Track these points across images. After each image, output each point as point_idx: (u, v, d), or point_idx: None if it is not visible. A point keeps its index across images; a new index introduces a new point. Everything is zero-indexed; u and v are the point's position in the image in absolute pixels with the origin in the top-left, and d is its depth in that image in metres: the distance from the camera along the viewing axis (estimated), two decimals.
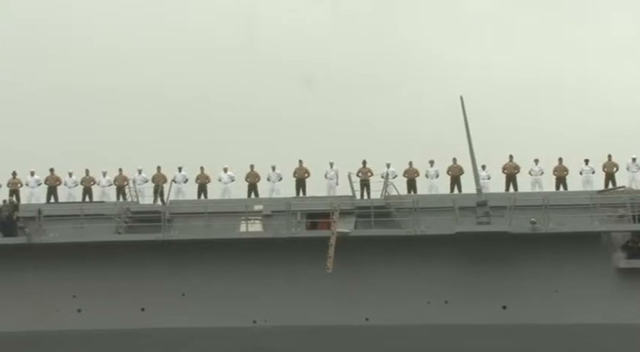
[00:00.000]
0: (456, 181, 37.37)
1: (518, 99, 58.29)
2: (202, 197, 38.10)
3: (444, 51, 61.50)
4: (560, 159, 37.50)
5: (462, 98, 35.05)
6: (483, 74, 59.72)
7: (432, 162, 37.63)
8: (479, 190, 35.05)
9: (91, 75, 59.29)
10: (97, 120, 57.84)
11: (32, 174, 38.42)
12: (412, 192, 37.25)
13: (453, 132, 53.99)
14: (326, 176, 37.78)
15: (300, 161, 37.92)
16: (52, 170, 38.40)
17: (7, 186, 38.22)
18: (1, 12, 63.08)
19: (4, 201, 36.99)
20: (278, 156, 42.04)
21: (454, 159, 37.44)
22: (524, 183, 37.98)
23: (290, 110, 58.13)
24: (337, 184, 37.81)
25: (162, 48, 61.45)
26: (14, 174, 38.36)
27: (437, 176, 37.45)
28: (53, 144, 54.66)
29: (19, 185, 38.34)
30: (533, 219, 34.28)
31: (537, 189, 37.26)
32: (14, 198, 37.66)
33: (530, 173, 37.64)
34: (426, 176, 37.49)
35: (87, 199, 38.24)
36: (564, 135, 52.61)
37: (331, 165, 37.84)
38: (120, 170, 38.23)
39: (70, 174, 38.33)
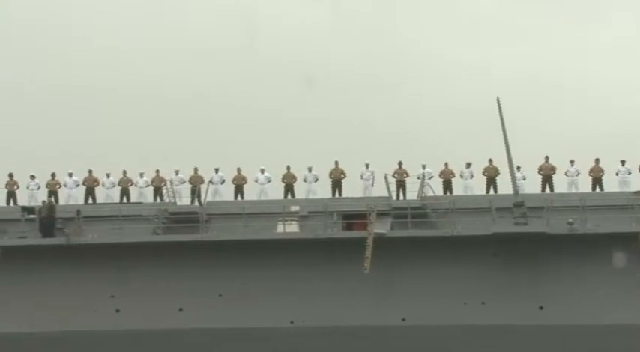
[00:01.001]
0: (491, 182, 37.44)
1: (518, 98, 58.41)
2: (239, 198, 38.29)
3: (444, 50, 61.85)
4: (597, 160, 37.49)
5: (498, 100, 35.11)
6: (484, 73, 60.17)
7: (468, 164, 37.69)
8: (516, 191, 35.16)
9: (91, 75, 59.97)
10: (97, 121, 58.73)
11: (70, 175, 38.76)
12: (448, 193, 37.36)
13: (452, 133, 54.58)
14: (362, 177, 37.93)
15: (337, 162, 38.09)
16: (90, 171, 38.74)
17: (46, 187, 38.55)
18: (0, 12, 63.61)
19: (43, 202, 37.35)
20: (280, 156, 42.82)
21: (490, 160, 37.52)
22: (559, 184, 38.04)
23: (291, 110, 58.59)
24: (373, 185, 37.91)
25: (163, 48, 62.31)
26: (53, 175, 38.70)
27: (472, 177, 37.51)
28: (53, 144, 55.54)
29: (57, 186, 38.63)
30: (570, 220, 34.33)
31: (573, 190, 37.25)
32: (53, 200, 37.94)
33: (566, 174, 37.65)
34: (461, 177, 37.56)
35: (124, 200, 38.52)
36: (565, 134, 52.79)
37: (367, 166, 37.98)
38: (157, 171, 38.51)
39: (108, 175, 38.65)
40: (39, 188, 38.62)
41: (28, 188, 38.65)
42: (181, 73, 60.70)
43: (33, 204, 37.84)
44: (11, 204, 38.46)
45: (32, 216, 36.87)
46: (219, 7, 62.73)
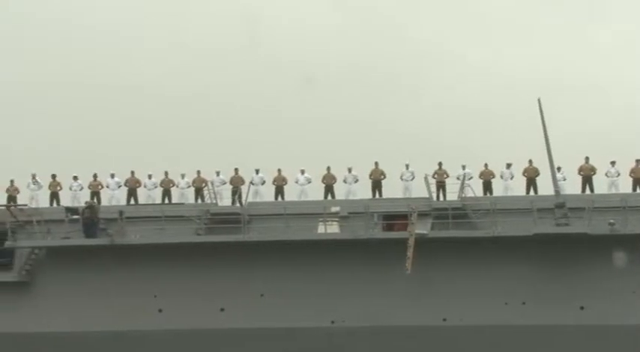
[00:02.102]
0: (531, 183, 37.50)
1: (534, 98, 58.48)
2: (279, 199, 38.52)
3: (448, 47, 61.80)
4: (638, 161, 37.44)
5: (539, 101, 35.16)
6: (494, 72, 60.18)
7: (508, 165, 37.73)
8: (557, 192, 35.19)
9: (91, 75, 59.99)
10: (100, 119, 58.71)
11: (112, 176, 39.10)
12: (488, 194, 37.45)
13: (457, 133, 54.52)
14: (402, 178, 38.07)
15: (376, 163, 38.22)
16: (132, 172, 39.05)
17: (89, 188, 38.90)
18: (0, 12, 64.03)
19: (86, 202, 37.71)
20: (279, 156, 43.01)
21: (530, 161, 37.57)
22: (598, 185, 38.04)
23: (291, 109, 58.73)
24: (412, 178, 38.03)
25: (166, 47, 62.13)
26: (95, 176, 39.03)
27: (512, 177, 37.57)
28: (92, 144, 55.80)
29: (99, 187, 38.99)
30: (611, 221, 34.36)
31: (613, 191, 37.24)
32: (95, 200, 38.31)
33: (606, 175, 37.61)
34: (502, 177, 37.63)
35: (166, 201, 38.81)
36: (610, 135, 52.62)
37: (407, 166, 38.11)
38: (198, 172, 38.76)
39: (150, 177, 38.94)
40: (81, 189, 38.97)
41: (70, 189, 39.02)
42: (183, 72, 61.01)
43: (76, 204, 38.23)
44: (54, 204, 38.83)
45: (76, 217, 37.24)
46: (220, 7, 63.36)
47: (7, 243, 36.77)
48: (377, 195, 38.11)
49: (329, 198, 38.20)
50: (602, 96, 58.33)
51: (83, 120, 58.61)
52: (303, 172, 38.52)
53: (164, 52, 61.88)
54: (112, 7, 63.05)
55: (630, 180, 37.58)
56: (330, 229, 36.17)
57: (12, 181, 39.01)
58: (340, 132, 56.72)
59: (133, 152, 52.69)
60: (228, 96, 59.31)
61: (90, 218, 36.85)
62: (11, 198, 38.60)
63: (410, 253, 34.35)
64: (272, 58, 59.97)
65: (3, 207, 37.88)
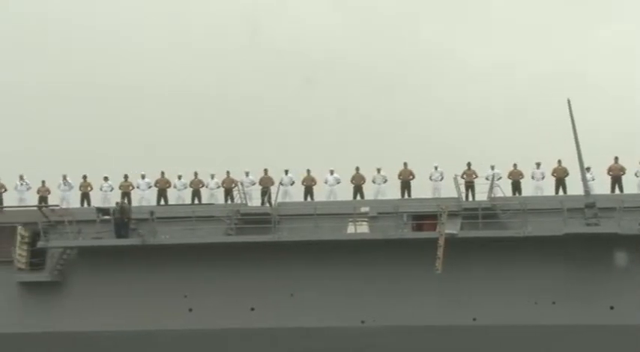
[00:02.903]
0: (560, 183, 37.52)
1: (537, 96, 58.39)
2: (309, 199, 38.68)
3: (450, 47, 61.81)
4: None
5: (569, 101, 35.20)
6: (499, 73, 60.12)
7: (538, 164, 37.78)
8: (587, 192, 35.24)
9: (91, 74, 60.25)
10: (96, 121, 59.00)
11: (143, 177, 39.32)
12: (517, 194, 37.51)
13: (463, 133, 54.43)
14: (431, 178, 38.18)
15: (405, 163, 38.33)
16: (162, 173, 39.26)
17: (119, 188, 39.16)
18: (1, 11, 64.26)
19: (117, 203, 37.97)
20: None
21: (559, 161, 37.60)
22: (628, 185, 38.02)
23: (295, 109, 58.78)
24: (442, 178, 38.18)
25: (170, 47, 62.35)
26: (126, 177, 39.27)
27: (543, 178, 37.61)
28: (123, 145, 56.00)
29: (130, 187, 39.24)
30: None
31: None
32: (125, 201, 38.55)
33: (636, 175, 37.57)
34: (532, 178, 37.68)
35: (196, 201, 39.01)
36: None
37: (435, 167, 38.21)
38: (228, 173, 38.93)
39: (180, 177, 39.14)
40: (112, 189, 39.24)
41: (101, 189, 39.31)
42: (183, 72, 61.23)
43: (106, 205, 38.49)
44: (85, 205, 39.10)
45: (107, 217, 37.52)
46: (221, 7, 63.53)
47: (40, 243, 37.09)
48: (406, 196, 38.20)
49: (358, 198, 38.33)
50: (629, 95, 58.24)
51: (84, 120, 58.99)
52: (332, 173, 38.67)
53: (164, 52, 62.27)
54: (112, 7, 63.59)
55: None
56: (359, 229, 36.32)
57: (43, 182, 39.29)
58: (341, 132, 57.14)
59: (141, 152, 53.30)
60: (229, 95, 59.84)
61: (121, 218, 37.12)
62: (42, 199, 38.88)
63: (440, 253, 34.48)
64: (272, 57, 60.56)
65: (35, 208, 38.16)
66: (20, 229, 37.44)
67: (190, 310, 36.77)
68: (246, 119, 58.93)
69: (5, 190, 39.24)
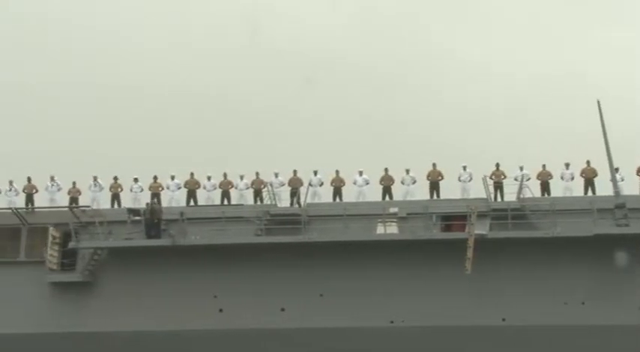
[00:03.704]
0: (589, 183, 37.54)
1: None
2: (337, 200, 38.82)
3: (451, 46, 61.51)
4: None
5: (599, 102, 35.25)
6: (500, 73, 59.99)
7: (567, 165, 37.83)
8: (617, 192, 35.31)
9: (91, 74, 60.38)
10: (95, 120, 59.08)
11: (172, 178, 39.55)
12: (546, 195, 37.57)
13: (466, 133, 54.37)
14: (459, 179, 38.27)
15: (434, 164, 38.43)
16: (192, 174, 39.47)
17: (149, 189, 39.40)
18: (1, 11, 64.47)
19: (147, 204, 38.21)
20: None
21: (588, 162, 37.61)
22: None
23: (291, 108, 58.81)
24: (470, 180, 38.23)
25: (170, 47, 62.36)
26: (155, 178, 39.49)
27: (572, 178, 37.64)
28: (154, 147, 56.11)
29: (160, 188, 39.47)
30: None
31: None
32: (156, 201, 38.78)
33: None
34: (562, 178, 37.71)
35: (225, 202, 39.20)
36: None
37: (464, 168, 38.30)
38: (257, 174, 39.11)
39: (209, 178, 39.33)
40: (142, 190, 39.42)
41: (131, 190, 39.52)
42: (185, 71, 61.23)
43: (136, 206, 38.74)
44: (115, 206, 39.36)
45: (137, 218, 37.77)
46: (222, 7, 63.57)
47: (71, 244, 37.39)
48: (435, 196, 38.31)
49: (387, 199, 38.46)
50: None
51: (85, 120, 59.27)
52: (361, 173, 38.79)
53: (164, 52, 62.38)
54: (112, 7, 63.61)
55: None
56: (389, 230, 36.45)
57: (74, 183, 39.57)
58: (341, 132, 57.23)
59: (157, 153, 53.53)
60: (229, 95, 59.83)
61: (151, 219, 37.36)
62: (73, 200, 39.16)
63: (470, 253, 34.61)
64: (272, 57, 60.46)
65: (66, 209, 38.47)
66: (52, 230, 37.77)
67: (220, 310, 36.98)
68: (246, 119, 59.22)
69: (36, 191, 39.52)
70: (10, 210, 38.44)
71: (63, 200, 39.38)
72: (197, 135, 57.62)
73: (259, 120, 58.82)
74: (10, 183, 39.53)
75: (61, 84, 60.18)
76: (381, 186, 38.73)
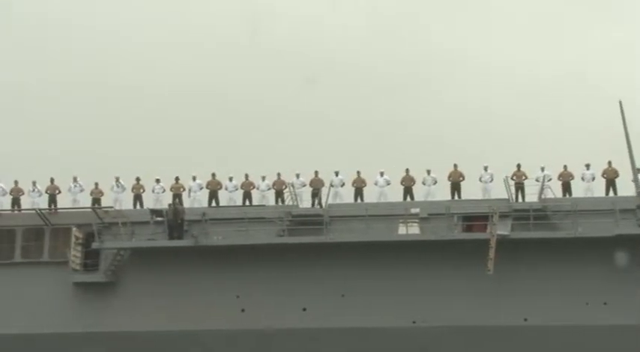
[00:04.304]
0: (611, 184, 37.61)
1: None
2: (359, 200, 38.93)
3: (451, 46, 61.58)
4: None
5: (620, 103, 35.34)
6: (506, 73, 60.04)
7: (587, 166, 37.91)
8: (639, 193, 35.36)
9: (90, 73, 60.51)
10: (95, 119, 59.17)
11: (194, 178, 39.72)
12: (567, 195, 37.66)
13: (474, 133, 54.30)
14: (480, 179, 38.39)
15: (455, 165, 38.54)
16: (213, 175, 39.64)
17: (171, 190, 39.59)
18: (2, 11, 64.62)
19: (169, 205, 38.41)
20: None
21: (609, 163, 37.68)
22: None
23: (291, 107, 58.81)
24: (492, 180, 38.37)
25: (170, 47, 62.35)
26: (177, 179, 39.65)
27: (593, 179, 37.71)
28: (175, 148, 56.26)
29: (181, 189, 39.64)
30: None
31: None
32: (178, 202, 38.96)
33: None
34: (582, 179, 37.80)
35: (247, 203, 39.37)
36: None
37: (485, 168, 38.41)
38: (278, 174, 39.27)
39: (231, 179, 39.51)
40: (164, 191, 39.59)
41: (153, 191, 39.72)
42: (184, 71, 61.37)
43: (158, 206, 38.94)
44: (137, 206, 39.58)
45: (160, 219, 37.97)
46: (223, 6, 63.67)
47: (94, 245, 37.61)
48: (456, 197, 38.43)
49: (408, 199, 38.59)
50: None
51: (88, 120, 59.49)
52: (382, 174, 38.92)
53: (164, 52, 62.46)
54: (112, 7, 63.70)
55: None
56: (410, 230, 36.59)
57: (96, 184, 39.77)
58: (341, 132, 57.32)
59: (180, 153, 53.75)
60: (229, 95, 59.94)
61: (174, 220, 37.56)
62: (96, 201, 39.39)
63: (492, 254, 34.76)
64: (272, 57, 60.64)
65: (88, 209, 38.71)
66: (75, 230, 38.00)
67: (243, 310, 37.17)
68: (246, 119, 59.33)
69: (59, 192, 39.74)
70: (34, 211, 38.71)
71: (85, 201, 39.64)
72: (197, 135, 57.92)
73: (260, 120, 59.14)
74: (34, 184, 39.75)
75: (60, 84, 60.56)
76: (402, 187, 38.87)
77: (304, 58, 59.84)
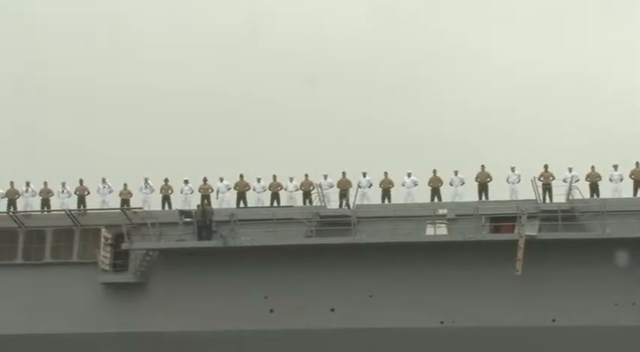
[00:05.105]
0: (639, 185, 37.59)
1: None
2: (386, 201, 39.05)
3: (451, 46, 61.58)
4: None
5: None
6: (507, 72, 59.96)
7: (615, 166, 37.87)
8: None
9: (89, 73, 60.77)
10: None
11: (221, 179, 39.92)
12: (595, 196, 37.67)
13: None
14: (508, 180, 38.42)
15: (483, 166, 38.61)
16: (241, 176, 39.80)
17: (199, 191, 39.74)
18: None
19: (198, 205, 38.61)
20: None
21: (637, 163, 37.66)
22: None
23: (292, 105, 58.81)
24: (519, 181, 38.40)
25: (170, 47, 62.43)
26: (205, 179, 39.84)
27: (621, 180, 37.69)
28: (203, 148, 56.41)
29: (209, 190, 39.84)
30: None
31: None
32: (206, 202, 39.15)
33: None
34: (610, 180, 37.79)
35: (275, 204, 39.52)
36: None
37: (512, 169, 38.42)
38: (306, 175, 39.36)
39: (259, 180, 39.67)
40: (192, 192, 39.72)
41: (181, 192, 39.88)
42: (187, 71, 61.41)
43: (186, 207, 39.15)
44: (166, 207, 39.78)
45: (188, 220, 38.19)
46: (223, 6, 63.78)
47: (124, 245, 37.86)
48: (483, 198, 38.49)
49: (435, 200, 38.67)
50: None
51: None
52: (409, 175, 38.98)
53: (163, 52, 62.50)
54: (112, 7, 63.63)
55: None
56: (438, 231, 36.70)
57: (125, 185, 40.04)
58: (341, 132, 57.53)
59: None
60: (229, 95, 59.95)
61: (203, 220, 37.77)
62: (124, 202, 39.65)
63: (520, 254, 34.82)
64: (272, 57, 60.77)
65: (117, 210, 38.96)
66: (104, 231, 38.26)
67: (271, 311, 37.34)
68: (246, 119, 59.44)
69: (88, 193, 40.01)
70: (64, 212, 39.01)
71: (114, 202, 39.90)
72: (197, 135, 58.17)
73: (259, 120, 59.31)
74: (63, 185, 40.02)
75: (83, 85, 61.01)
76: (429, 188, 38.97)
77: (304, 58, 60.09)
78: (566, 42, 61.64)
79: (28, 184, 40.11)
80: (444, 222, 37.04)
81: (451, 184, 38.77)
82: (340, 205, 38.73)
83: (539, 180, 37.66)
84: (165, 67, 61.07)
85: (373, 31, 63.15)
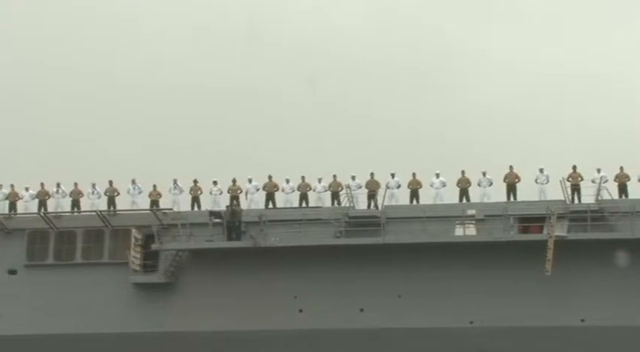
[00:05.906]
0: None
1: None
2: (414, 202, 39.18)
3: (451, 46, 61.39)
4: None
5: None
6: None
7: None
8: None
9: (88, 73, 60.70)
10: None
11: (250, 181, 40.12)
12: (624, 196, 37.70)
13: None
14: (536, 181, 38.50)
15: (511, 166, 38.68)
16: (270, 177, 40.00)
17: (228, 192, 39.96)
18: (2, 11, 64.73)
19: (227, 207, 38.84)
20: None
21: None
22: None
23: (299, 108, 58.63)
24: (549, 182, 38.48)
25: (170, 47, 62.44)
26: (234, 181, 40.01)
27: None
28: (234, 150, 56.55)
29: (238, 191, 40.03)
30: None
31: None
32: (236, 203, 39.36)
33: None
34: (639, 181, 37.84)
35: (303, 204, 39.69)
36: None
37: (541, 170, 38.48)
38: (334, 176, 39.58)
39: (287, 181, 39.83)
40: (221, 193, 39.91)
41: (210, 193, 40.13)
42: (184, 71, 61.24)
43: (216, 208, 39.39)
44: (195, 208, 40.04)
45: (218, 220, 38.42)
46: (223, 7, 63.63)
47: (154, 246, 38.13)
48: (512, 198, 38.57)
49: (464, 201, 38.78)
50: None
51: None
52: (437, 176, 39.10)
53: (163, 52, 62.50)
54: (112, 7, 63.66)
55: None
56: (467, 232, 36.82)
57: (154, 186, 40.30)
58: (341, 132, 57.48)
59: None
60: (229, 95, 59.80)
61: (232, 221, 38.00)
62: (154, 203, 39.94)
63: (550, 255, 34.91)
64: (272, 57, 60.79)
65: (147, 211, 39.24)
66: (134, 232, 38.55)
67: (300, 311, 37.54)
68: (247, 119, 59.45)
69: (118, 194, 40.29)
70: (94, 213, 39.31)
71: (144, 203, 40.17)
72: (197, 135, 58.28)
73: (260, 120, 59.39)
74: (93, 186, 40.35)
75: (104, 85, 61.10)
76: (458, 189, 39.08)
77: (305, 58, 60.08)
78: (566, 42, 61.71)
79: (58, 185, 40.48)
80: (473, 222, 37.15)
81: (479, 185, 38.89)
82: (369, 206, 38.87)
83: (567, 180, 37.77)
84: (163, 67, 61.33)
85: (374, 30, 63.12)
